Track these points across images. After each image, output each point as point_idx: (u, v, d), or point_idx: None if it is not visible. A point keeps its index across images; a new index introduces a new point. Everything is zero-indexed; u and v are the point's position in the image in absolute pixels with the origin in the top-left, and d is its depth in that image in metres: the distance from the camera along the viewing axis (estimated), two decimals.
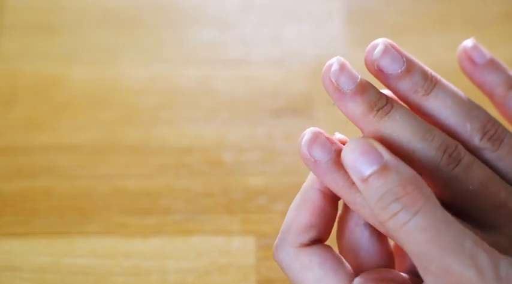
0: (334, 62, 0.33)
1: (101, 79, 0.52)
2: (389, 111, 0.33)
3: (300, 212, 0.34)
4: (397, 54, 0.34)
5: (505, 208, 0.33)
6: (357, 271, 0.33)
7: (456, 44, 0.39)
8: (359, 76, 0.33)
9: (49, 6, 0.55)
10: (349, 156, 0.31)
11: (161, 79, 0.52)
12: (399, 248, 0.36)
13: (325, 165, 0.32)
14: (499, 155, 0.34)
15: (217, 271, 0.44)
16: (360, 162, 0.30)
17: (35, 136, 0.49)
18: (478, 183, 0.33)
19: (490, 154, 0.34)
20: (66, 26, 0.55)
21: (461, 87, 0.35)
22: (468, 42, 0.38)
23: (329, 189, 0.33)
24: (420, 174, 0.32)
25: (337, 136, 0.34)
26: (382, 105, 0.33)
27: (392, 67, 0.34)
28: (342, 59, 0.33)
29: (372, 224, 0.33)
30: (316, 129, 0.33)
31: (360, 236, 0.34)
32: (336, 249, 0.34)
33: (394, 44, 0.34)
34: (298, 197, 0.34)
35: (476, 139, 0.34)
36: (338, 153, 0.32)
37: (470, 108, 0.34)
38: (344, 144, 0.33)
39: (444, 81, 0.34)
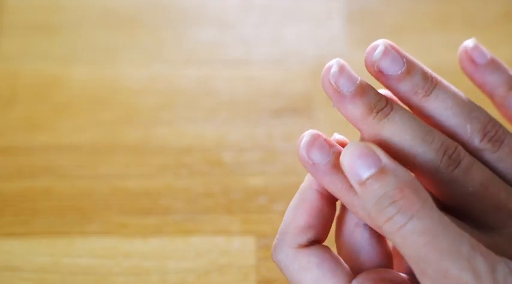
0: (333, 64, 0.33)
1: (101, 79, 0.52)
2: (389, 113, 0.33)
3: (298, 213, 0.34)
4: (397, 55, 0.33)
5: (504, 209, 0.33)
6: (356, 271, 0.33)
7: (456, 44, 0.38)
8: (358, 78, 0.33)
9: (49, 6, 0.55)
10: (347, 159, 0.31)
11: (161, 79, 0.52)
12: None
13: (323, 168, 0.32)
14: (499, 156, 0.34)
15: (217, 271, 0.44)
16: (358, 165, 0.30)
17: (35, 136, 0.49)
18: (478, 184, 0.33)
19: (490, 155, 0.34)
20: (66, 26, 0.55)
21: (462, 88, 0.35)
22: (469, 42, 0.38)
23: (327, 190, 0.33)
24: (420, 175, 0.33)
25: (336, 137, 0.34)
26: (382, 107, 0.33)
27: (392, 68, 0.33)
28: (342, 61, 0.33)
29: (371, 226, 0.33)
30: (315, 131, 0.33)
31: (360, 237, 0.34)
32: (334, 249, 0.34)
33: (394, 45, 0.34)
34: (296, 198, 0.34)
35: (476, 141, 0.34)
36: (337, 155, 0.32)
37: (470, 109, 0.34)
38: (343, 145, 0.33)
39: (444, 82, 0.34)
